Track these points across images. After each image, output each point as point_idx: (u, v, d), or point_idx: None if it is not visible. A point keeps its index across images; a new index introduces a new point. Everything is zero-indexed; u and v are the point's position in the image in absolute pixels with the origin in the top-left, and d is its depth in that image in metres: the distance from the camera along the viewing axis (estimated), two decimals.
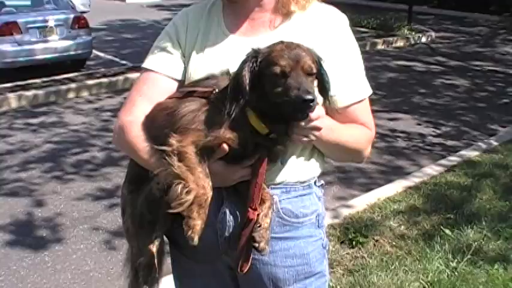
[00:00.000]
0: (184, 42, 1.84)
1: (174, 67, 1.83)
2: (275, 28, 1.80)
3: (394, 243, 4.36)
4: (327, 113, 1.77)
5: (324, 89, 1.63)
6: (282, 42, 1.60)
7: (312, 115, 1.56)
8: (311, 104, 1.49)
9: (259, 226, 1.66)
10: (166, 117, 1.68)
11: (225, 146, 1.58)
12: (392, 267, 3.98)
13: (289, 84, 1.50)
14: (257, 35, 1.78)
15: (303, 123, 1.58)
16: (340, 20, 1.83)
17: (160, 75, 1.82)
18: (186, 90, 1.73)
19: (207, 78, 1.73)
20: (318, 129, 1.62)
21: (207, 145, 1.58)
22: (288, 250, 1.81)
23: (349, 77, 1.79)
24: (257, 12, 1.81)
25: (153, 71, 1.83)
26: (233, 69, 1.65)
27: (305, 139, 1.64)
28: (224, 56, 1.76)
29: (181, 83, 1.83)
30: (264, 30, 1.80)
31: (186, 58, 1.84)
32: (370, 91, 1.86)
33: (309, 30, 1.77)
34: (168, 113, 1.68)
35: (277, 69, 1.52)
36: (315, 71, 1.57)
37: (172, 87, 1.82)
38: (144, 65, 1.87)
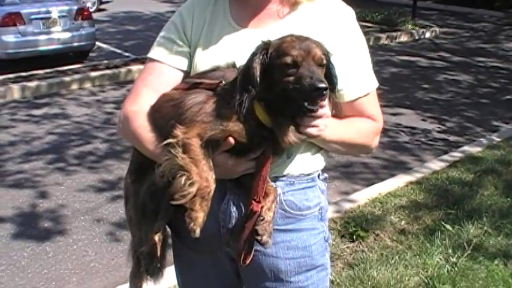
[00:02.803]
0: (190, 32, 1.83)
1: (180, 58, 1.83)
2: (282, 19, 1.78)
3: (394, 237, 4.37)
4: (333, 107, 1.77)
5: (331, 84, 1.61)
6: (291, 35, 1.60)
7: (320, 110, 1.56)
8: (324, 92, 1.49)
9: (263, 219, 1.66)
10: (171, 109, 1.67)
11: (230, 139, 1.58)
12: (393, 261, 3.98)
13: (302, 74, 1.50)
14: (263, 27, 1.77)
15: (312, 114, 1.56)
16: (347, 13, 1.82)
17: (166, 65, 1.82)
18: (192, 81, 1.72)
19: (213, 70, 1.72)
20: (322, 121, 1.60)
21: (213, 138, 1.57)
22: (290, 242, 1.81)
23: (356, 71, 1.79)
24: (264, 2, 1.79)
25: (158, 61, 1.83)
26: (239, 61, 1.64)
27: (312, 130, 1.60)
28: (230, 48, 1.76)
29: (187, 73, 1.83)
30: (270, 22, 1.78)
31: (191, 49, 1.83)
32: (376, 84, 1.86)
33: (316, 22, 1.76)
34: (174, 104, 1.67)
35: (289, 59, 1.52)
36: (325, 62, 1.57)
37: (177, 78, 1.81)
38: (150, 54, 1.86)
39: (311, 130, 1.60)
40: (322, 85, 1.48)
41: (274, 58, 1.55)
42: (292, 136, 1.60)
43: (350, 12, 1.83)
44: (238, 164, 1.66)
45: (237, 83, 1.57)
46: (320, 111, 1.57)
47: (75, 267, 4.26)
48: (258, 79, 1.54)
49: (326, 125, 1.62)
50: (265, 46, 1.57)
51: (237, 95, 1.55)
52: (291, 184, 1.79)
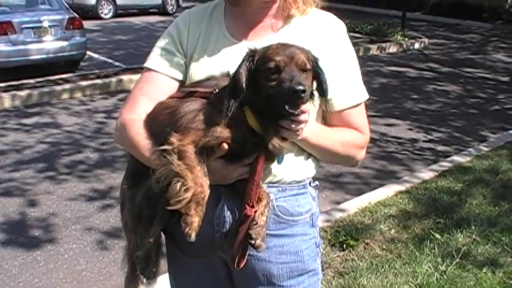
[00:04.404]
0: (186, 43, 1.88)
1: (176, 68, 1.87)
2: (276, 32, 1.83)
3: (384, 246, 4.41)
4: (322, 116, 1.81)
5: (321, 89, 1.66)
6: (278, 43, 1.65)
7: (304, 108, 1.60)
8: (302, 94, 1.52)
9: (256, 224, 1.70)
10: (167, 116, 1.71)
11: (224, 145, 1.62)
12: (382, 270, 4.02)
13: (282, 78, 1.55)
14: (258, 39, 1.81)
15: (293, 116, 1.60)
16: (338, 26, 1.88)
17: (162, 75, 1.86)
18: (188, 90, 1.77)
19: (208, 79, 1.77)
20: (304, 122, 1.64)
21: (207, 144, 1.62)
22: (282, 247, 1.85)
23: (345, 81, 1.83)
24: (258, 16, 1.84)
25: (155, 70, 1.87)
26: (233, 71, 1.68)
27: (292, 132, 1.64)
28: (225, 59, 1.80)
29: (182, 83, 1.87)
30: (264, 35, 1.83)
31: (187, 59, 1.87)
32: (366, 96, 1.90)
33: (308, 35, 1.81)
34: (170, 112, 1.71)
35: (272, 64, 1.57)
36: (309, 67, 1.61)
37: (173, 87, 1.85)
38: (146, 64, 1.90)
39: (290, 134, 1.65)
40: (300, 87, 1.51)
41: (260, 64, 1.60)
42: (278, 141, 1.65)
43: (341, 26, 1.89)
44: (233, 170, 1.70)
45: (226, 89, 1.62)
46: (302, 117, 1.61)
47: (66, 276, 4.25)
48: (244, 85, 1.59)
49: (302, 128, 1.65)
50: (251, 53, 1.63)
51: (224, 101, 1.59)
52: (283, 190, 1.83)
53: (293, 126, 1.62)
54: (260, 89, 1.59)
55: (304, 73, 1.59)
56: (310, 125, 1.71)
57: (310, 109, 1.66)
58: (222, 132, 1.61)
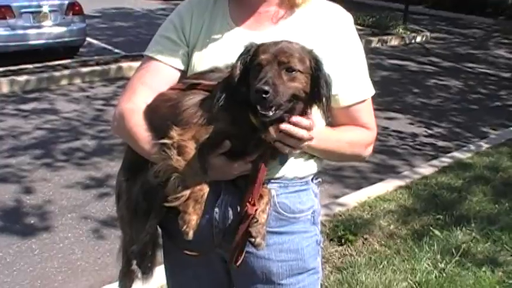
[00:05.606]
0: (189, 32, 1.82)
1: (178, 57, 1.81)
2: (280, 21, 1.78)
3: (383, 242, 4.37)
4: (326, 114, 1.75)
5: (317, 92, 1.57)
6: (274, 41, 1.58)
7: (293, 119, 1.52)
8: (263, 95, 1.44)
9: (256, 221, 1.65)
10: (169, 109, 1.66)
11: (227, 142, 1.57)
12: (381, 266, 3.98)
13: (259, 76, 1.49)
14: (262, 29, 1.76)
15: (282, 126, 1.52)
16: (345, 18, 1.82)
17: (163, 64, 1.80)
18: (190, 82, 1.71)
19: (212, 71, 1.71)
20: (297, 137, 1.54)
21: (208, 141, 1.56)
22: (282, 244, 1.81)
23: (352, 76, 1.78)
24: (263, 5, 1.79)
25: (156, 59, 1.81)
26: None
27: (285, 146, 1.57)
28: (229, 49, 1.73)
29: (184, 73, 1.81)
30: (268, 24, 1.78)
31: (190, 48, 1.81)
32: (373, 91, 1.85)
33: (313, 26, 1.76)
34: (171, 105, 1.66)
35: (256, 62, 1.53)
36: (298, 67, 1.53)
37: (174, 77, 1.80)
38: (147, 52, 1.84)
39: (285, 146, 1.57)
40: (263, 87, 1.44)
41: (251, 60, 1.56)
42: (274, 136, 1.56)
43: (348, 18, 1.83)
44: (235, 166, 1.65)
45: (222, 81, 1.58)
46: (289, 129, 1.52)
47: (61, 266, 4.21)
48: (236, 79, 1.55)
49: (301, 136, 1.55)
50: (249, 47, 1.58)
51: (217, 93, 1.55)
52: (284, 187, 1.79)
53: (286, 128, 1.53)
54: (250, 86, 1.53)
55: (290, 72, 1.51)
56: (315, 131, 1.63)
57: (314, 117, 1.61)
58: (225, 128, 1.56)
